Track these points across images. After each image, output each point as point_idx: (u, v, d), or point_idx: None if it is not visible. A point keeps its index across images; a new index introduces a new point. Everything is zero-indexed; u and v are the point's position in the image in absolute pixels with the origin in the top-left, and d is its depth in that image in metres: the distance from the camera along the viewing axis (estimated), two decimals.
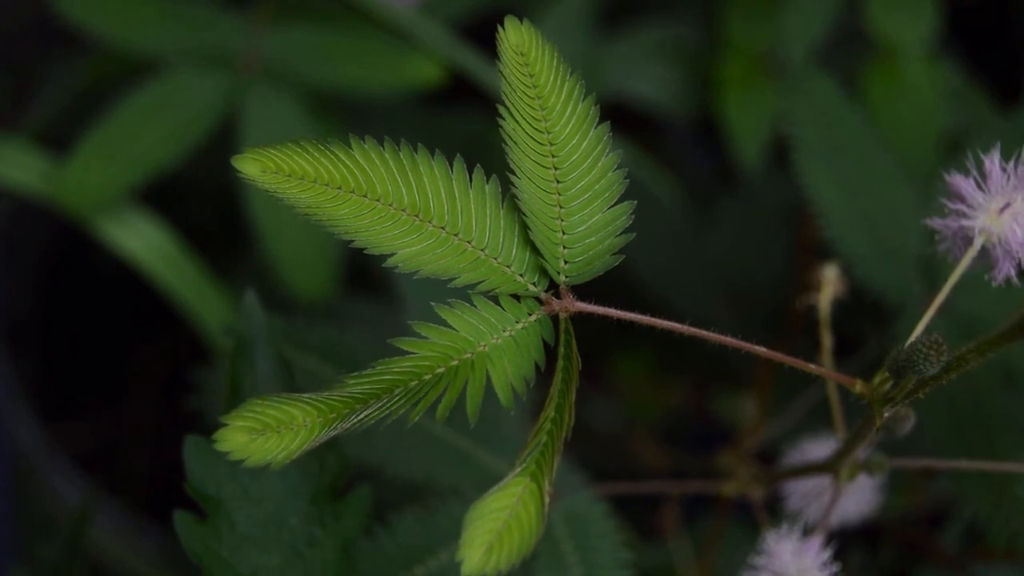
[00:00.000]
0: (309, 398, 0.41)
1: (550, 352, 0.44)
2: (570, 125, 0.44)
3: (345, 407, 0.41)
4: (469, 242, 0.43)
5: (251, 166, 0.42)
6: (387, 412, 0.41)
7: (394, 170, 0.43)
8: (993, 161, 0.47)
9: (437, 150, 0.43)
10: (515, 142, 0.43)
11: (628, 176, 0.44)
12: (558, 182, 0.44)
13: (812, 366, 0.48)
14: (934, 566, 0.75)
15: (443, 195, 0.43)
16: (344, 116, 0.87)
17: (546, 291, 0.44)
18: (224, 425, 0.40)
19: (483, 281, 0.43)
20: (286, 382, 0.52)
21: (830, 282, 0.59)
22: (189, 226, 0.87)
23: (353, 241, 0.42)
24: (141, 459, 1.00)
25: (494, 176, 0.44)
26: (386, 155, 0.43)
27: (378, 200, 0.42)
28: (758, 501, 0.61)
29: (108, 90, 0.83)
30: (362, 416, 0.41)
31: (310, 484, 0.51)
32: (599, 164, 0.44)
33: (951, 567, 0.74)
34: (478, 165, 0.43)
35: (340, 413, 0.41)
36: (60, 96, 0.92)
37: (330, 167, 0.42)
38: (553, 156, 0.44)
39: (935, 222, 0.48)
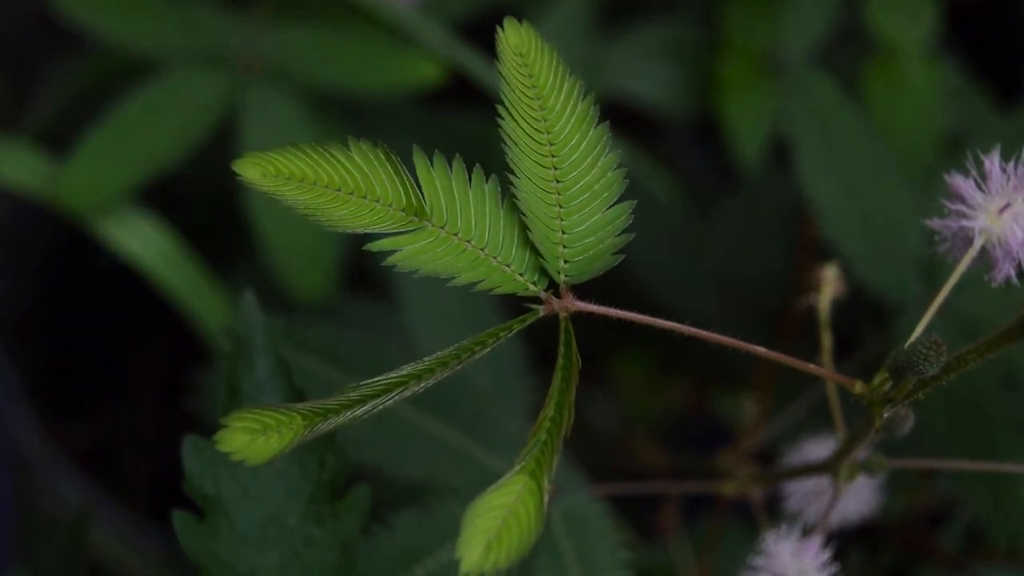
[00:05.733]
0: (308, 405, 0.41)
1: (550, 351, 0.44)
2: (570, 125, 0.44)
3: (343, 408, 0.41)
4: (469, 241, 0.43)
5: (251, 170, 0.42)
6: (379, 409, 0.41)
7: (392, 171, 0.43)
8: (993, 161, 0.47)
9: (437, 150, 0.43)
10: (514, 142, 0.44)
11: (628, 176, 0.44)
12: (558, 182, 0.44)
13: (812, 366, 0.48)
14: (934, 566, 0.75)
15: (443, 195, 0.43)
16: (344, 116, 0.87)
17: (546, 290, 0.44)
18: (224, 427, 0.40)
19: (483, 280, 0.43)
20: (285, 383, 0.52)
21: (830, 282, 0.59)
22: (189, 226, 0.87)
23: (353, 241, 0.42)
24: (141, 459, 1.00)
25: (494, 176, 0.44)
26: (384, 157, 0.43)
27: (377, 201, 0.42)
28: (758, 501, 0.61)
29: (108, 90, 0.83)
30: (357, 413, 0.41)
31: (309, 484, 0.51)
32: (599, 164, 0.44)
33: (951, 567, 0.73)
34: (478, 165, 0.44)
35: (338, 413, 0.41)
36: (60, 96, 0.92)
37: (329, 169, 0.42)
38: (553, 156, 0.44)
39: (935, 223, 0.48)
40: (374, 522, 0.57)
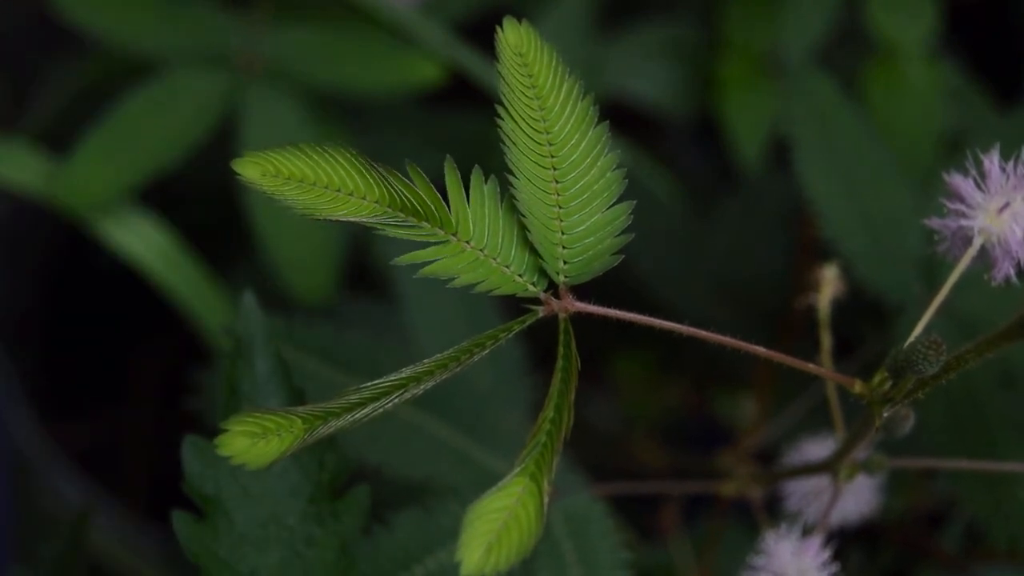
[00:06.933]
0: (307, 409, 0.41)
1: (551, 350, 0.44)
2: (569, 125, 0.44)
3: (343, 411, 0.41)
4: (468, 242, 0.43)
5: (251, 169, 0.42)
6: (379, 411, 0.41)
7: (391, 172, 0.43)
8: (992, 161, 0.47)
9: (434, 152, 0.43)
10: (514, 143, 0.43)
11: (628, 176, 0.44)
12: (557, 182, 0.44)
13: (811, 366, 0.48)
14: (934, 566, 0.75)
15: (441, 196, 0.43)
16: (344, 116, 0.87)
17: (545, 291, 0.44)
18: (224, 430, 0.40)
19: (482, 281, 0.43)
20: (285, 383, 0.52)
21: (830, 282, 0.59)
22: (189, 226, 0.87)
23: (353, 242, 0.42)
24: (141, 459, 1.00)
25: (493, 176, 0.44)
26: (366, 164, 0.43)
27: (376, 202, 0.42)
28: (758, 501, 0.61)
29: (108, 90, 0.83)
30: (357, 416, 0.41)
31: (309, 484, 0.51)
32: (598, 164, 0.44)
33: (951, 567, 0.73)
34: (477, 165, 0.44)
35: (339, 416, 0.41)
36: (60, 96, 0.92)
37: (329, 170, 0.42)
38: (552, 156, 0.44)
39: (934, 222, 0.48)
40: (374, 522, 0.57)
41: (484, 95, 0.79)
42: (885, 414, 0.47)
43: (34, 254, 1.02)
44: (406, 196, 0.42)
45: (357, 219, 0.42)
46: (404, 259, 0.42)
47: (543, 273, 0.44)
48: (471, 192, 0.43)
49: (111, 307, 1.02)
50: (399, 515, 0.58)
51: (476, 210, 0.43)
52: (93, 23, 0.82)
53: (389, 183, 0.42)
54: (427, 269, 0.42)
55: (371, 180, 0.42)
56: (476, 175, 0.43)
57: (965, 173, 0.47)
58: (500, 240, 0.43)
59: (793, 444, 0.67)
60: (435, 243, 0.43)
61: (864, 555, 0.75)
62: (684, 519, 0.74)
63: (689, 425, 0.95)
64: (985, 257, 0.47)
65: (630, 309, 0.43)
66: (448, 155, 0.43)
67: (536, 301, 0.44)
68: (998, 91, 0.89)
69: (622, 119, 0.75)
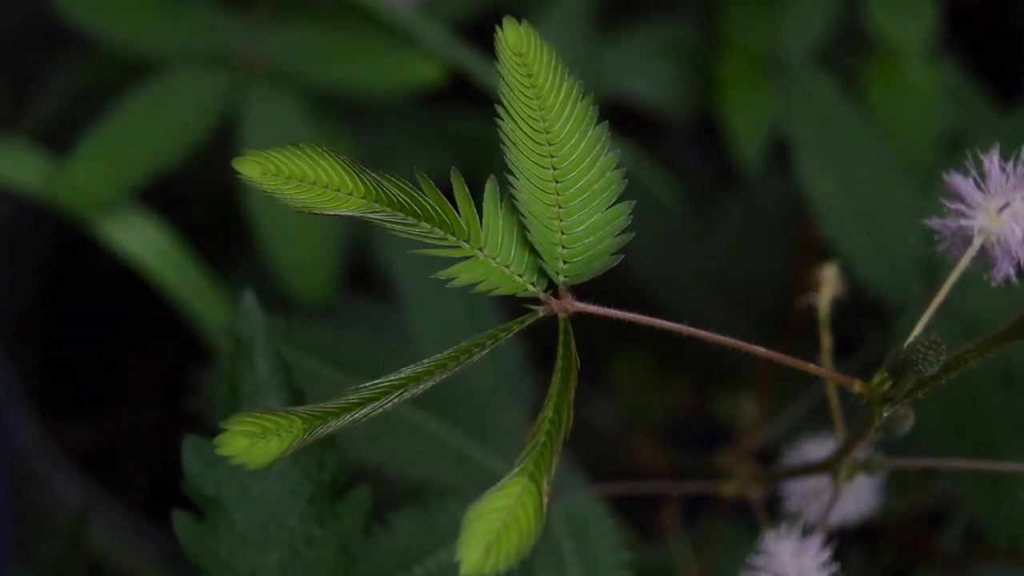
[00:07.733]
0: (307, 409, 0.41)
1: (551, 349, 0.44)
2: (569, 125, 0.44)
3: (343, 411, 0.41)
4: (466, 242, 0.43)
5: (252, 168, 0.42)
6: (378, 411, 0.41)
7: (385, 176, 0.42)
8: (992, 161, 0.47)
9: (435, 151, 0.43)
10: (513, 143, 0.44)
11: (628, 176, 0.44)
12: (556, 182, 0.44)
13: (811, 366, 0.48)
14: (934, 566, 0.75)
15: (440, 196, 0.43)
16: (344, 116, 0.87)
17: (545, 291, 0.44)
18: (224, 430, 0.40)
19: (482, 281, 0.43)
20: (285, 383, 0.52)
21: (830, 282, 0.59)
22: (189, 226, 0.87)
23: (353, 242, 0.42)
24: (141, 459, 1.00)
25: (492, 176, 0.44)
26: (354, 167, 0.43)
27: (375, 201, 0.42)
28: (758, 501, 0.61)
29: (108, 90, 0.83)
30: (356, 416, 0.41)
31: (309, 484, 0.51)
32: (598, 164, 0.44)
33: (951, 567, 0.73)
34: (473, 167, 0.43)
35: (338, 416, 0.41)
36: (60, 96, 0.92)
37: (329, 170, 0.42)
38: (551, 156, 0.44)
39: (934, 222, 0.48)
40: (374, 522, 0.57)
41: (484, 95, 0.79)
42: (885, 414, 0.47)
43: (34, 254, 1.02)
44: (402, 198, 0.42)
45: (357, 214, 0.42)
46: (396, 233, 0.42)
47: (543, 273, 0.44)
48: (470, 192, 0.43)
49: (111, 307, 1.02)
50: (399, 515, 0.58)
51: (471, 210, 0.43)
52: (93, 23, 0.82)
53: (383, 186, 0.42)
54: (421, 252, 0.42)
55: (368, 182, 0.42)
56: (455, 176, 0.43)
57: (965, 173, 0.47)
58: (500, 240, 0.43)
59: (793, 444, 0.67)
60: (433, 242, 0.43)
61: (864, 555, 0.75)
62: (684, 519, 0.74)
63: (689, 425, 0.95)
64: (985, 257, 0.47)
65: (630, 309, 0.43)
66: (449, 154, 0.43)
67: (536, 301, 0.44)
68: (998, 91, 0.89)
69: (622, 119, 0.75)
